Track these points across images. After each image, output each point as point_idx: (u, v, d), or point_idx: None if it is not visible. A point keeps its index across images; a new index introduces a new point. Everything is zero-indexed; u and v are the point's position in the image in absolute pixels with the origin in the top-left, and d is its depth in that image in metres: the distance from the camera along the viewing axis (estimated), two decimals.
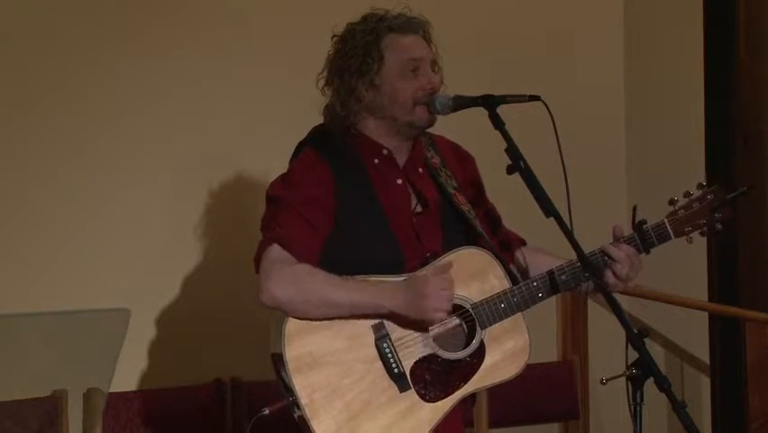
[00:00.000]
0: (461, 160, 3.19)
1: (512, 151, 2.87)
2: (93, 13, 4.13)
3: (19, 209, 4.02)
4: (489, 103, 2.92)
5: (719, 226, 3.06)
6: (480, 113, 2.93)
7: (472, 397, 3.03)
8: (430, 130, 3.11)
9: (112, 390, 3.95)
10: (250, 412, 4.00)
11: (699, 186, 3.06)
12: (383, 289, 2.88)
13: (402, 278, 2.92)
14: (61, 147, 4.07)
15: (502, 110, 2.91)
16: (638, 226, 3.01)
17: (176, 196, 4.23)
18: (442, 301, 2.86)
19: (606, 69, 5.21)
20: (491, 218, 3.19)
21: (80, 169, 4.10)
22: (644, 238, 3.01)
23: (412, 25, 3.03)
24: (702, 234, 3.06)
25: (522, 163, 2.85)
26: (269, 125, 4.28)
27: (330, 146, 3.01)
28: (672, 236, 3.04)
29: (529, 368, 4.43)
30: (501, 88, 2.98)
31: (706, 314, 5.00)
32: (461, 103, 2.98)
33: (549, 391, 4.66)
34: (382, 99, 3.00)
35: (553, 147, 2.89)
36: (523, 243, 3.22)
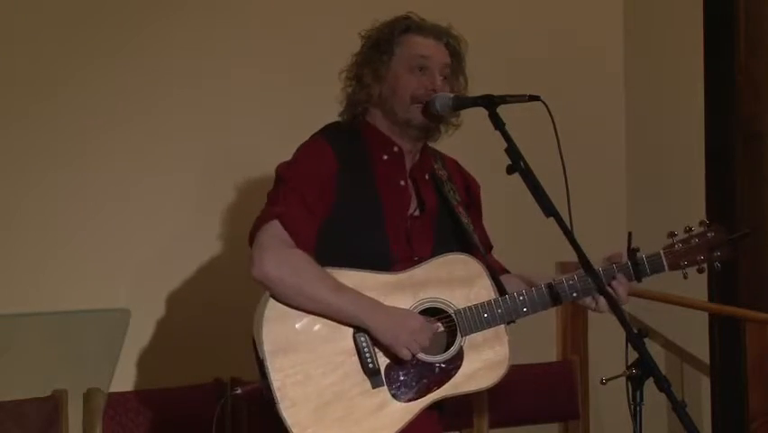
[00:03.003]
0: (466, 181, 3.21)
1: (512, 151, 2.86)
2: (94, 14, 4.13)
3: (19, 209, 4.02)
4: (489, 103, 2.92)
5: (718, 266, 3.06)
6: (480, 113, 2.93)
7: (450, 400, 3.01)
8: (436, 145, 3.12)
9: (112, 390, 3.96)
10: (249, 412, 4.02)
11: (701, 223, 3.07)
12: (371, 308, 2.88)
13: (388, 275, 2.92)
14: (61, 147, 4.07)
15: (502, 110, 2.91)
16: (632, 255, 3.02)
17: (176, 196, 4.23)
18: (417, 344, 2.88)
19: (606, 69, 5.22)
20: (483, 245, 3.19)
21: (80, 169, 4.10)
22: (637, 267, 3.02)
23: (434, 30, 3.07)
24: (699, 270, 3.07)
25: (522, 163, 2.85)
26: (271, 126, 4.28)
27: (339, 137, 3.03)
28: (667, 269, 3.05)
29: (529, 368, 4.48)
30: (501, 88, 2.98)
31: (706, 314, 5.00)
32: (461, 103, 2.99)
33: (549, 391, 4.66)
34: (384, 90, 3.02)
35: (553, 147, 2.89)
36: (507, 272, 3.23)
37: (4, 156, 4.00)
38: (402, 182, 3.04)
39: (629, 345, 2.72)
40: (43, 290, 4.01)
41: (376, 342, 2.89)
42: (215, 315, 4.20)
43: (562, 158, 2.90)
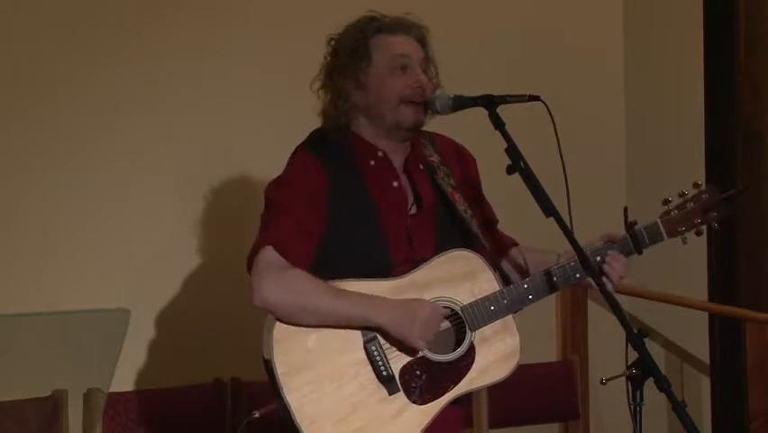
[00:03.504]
0: (461, 159, 3.18)
1: (512, 151, 2.86)
2: (94, 14, 4.13)
3: (19, 209, 4.02)
4: (489, 103, 2.91)
5: (716, 226, 3.05)
6: (480, 113, 2.93)
7: (468, 396, 3.02)
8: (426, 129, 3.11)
9: (112, 390, 3.96)
10: (249, 412, 4.02)
11: (695, 185, 3.05)
12: (377, 304, 2.87)
13: (391, 281, 2.92)
14: (61, 147, 4.07)
15: (502, 110, 2.91)
16: (630, 227, 3.01)
17: (176, 196, 4.23)
18: (430, 331, 2.88)
19: (606, 69, 5.22)
20: (487, 221, 3.19)
21: (80, 169, 4.10)
22: (636, 239, 3.01)
23: (402, 26, 3.03)
24: (698, 233, 3.04)
25: (522, 163, 2.85)
26: (271, 126, 4.28)
27: (325, 148, 3.00)
28: (665, 237, 3.02)
29: (529, 368, 4.46)
30: (501, 88, 2.98)
31: (706, 314, 5.00)
32: (461, 103, 2.98)
33: (549, 391, 4.66)
34: (369, 98, 2.99)
35: (553, 147, 2.89)
36: (516, 245, 3.22)
37: (4, 156, 4.00)
38: (395, 183, 3.03)
39: (629, 345, 2.72)
40: (43, 290, 4.01)
41: (389, 337, 2.88)
42: (215, 315, 4.20)
43: (562, 158, 2.90)
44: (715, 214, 3.04)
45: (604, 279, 2.96)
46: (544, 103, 2.88)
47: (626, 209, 3.03)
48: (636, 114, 5.25)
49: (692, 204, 3.03)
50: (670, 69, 5.16)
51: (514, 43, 4.90)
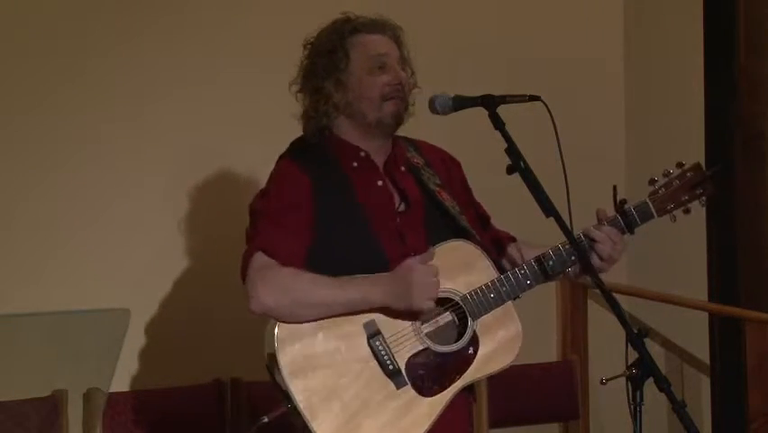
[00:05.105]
0: (445, 162, 3.19)
1: (512, 151, 2.87)
2: (91, 14, 4.13)
3: (19, 210, 4.03)
4: (489, 103, 2.91)
5: (703, 201, 3.08)
6: (480, 113, 2.93)
7: (472, 393, 3.04)
8: (416, 133, 3.11)
9: (112, 390, 3.96)
10: (249, 412, 4.02)
11: (678, 165, 3.08)
12: (371, 282, 2.88)
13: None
14: (61, 148, 4.08)
15: (502, 110, 2.91)
16: (619, 206, 3.03)
17: (175, 196, 4.23)
18: (429, 289, 2.87)
19: (606, 69, 5.22)
20: (480, 217, 3.20)
21: (80, 169, 4.10)
22: (626, 218, 3.03)
23: (377, 26, 3.05)
24: (686, 211, 3.08)
25: (522, 163, 2.85)
26: (267, 127, 4.27)
27: (306, 155, 3.02)
28: (655, 215, 3.05)
29: (529, 368, 4.48)
30: (501, 88, 2.98)
31: (706, 314, 5.01)
32: (461, 103, 2.98)
33: (549, 391, 4.66)
34: (350, 96, 3.00)
35: (553, 147, 2.89)
36: (513, 239, 3.23)
37: (4, 156, 4.00)
38: (380, 182, 3.03)
39: (629, 345, 2.72)
40: (43, 290, 4.01)
41: (391, 312, 2.87)
42: (215, 315, 4.20)
43: (562, 158, 2.90)
44: (701, 191, 3.07)
45: (595, 256, 2.98)
46: (545, 103, 2.88)
47: (615, 188, 3.05)
48: (636, 114, 5.25)
49: (678, 181, 3.07)
50: (670, 68, 5.16)
51: (514, 44, 4.90)
